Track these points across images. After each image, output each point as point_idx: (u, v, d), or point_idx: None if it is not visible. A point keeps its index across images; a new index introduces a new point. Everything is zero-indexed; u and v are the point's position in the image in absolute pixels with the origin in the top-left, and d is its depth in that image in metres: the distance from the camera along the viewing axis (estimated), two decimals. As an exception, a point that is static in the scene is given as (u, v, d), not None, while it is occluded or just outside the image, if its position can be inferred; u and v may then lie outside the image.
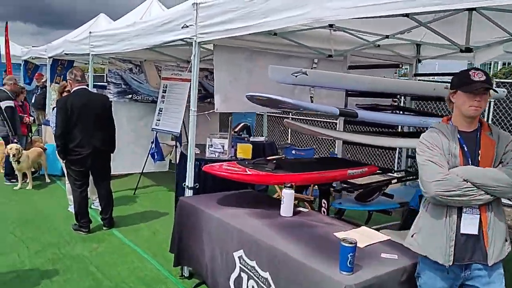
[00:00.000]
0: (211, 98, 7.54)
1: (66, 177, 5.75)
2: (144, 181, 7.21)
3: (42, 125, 8.38)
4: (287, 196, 3.31)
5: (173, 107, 6.58)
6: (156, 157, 6.76)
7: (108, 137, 5.02)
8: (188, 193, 3.93)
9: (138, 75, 6.80)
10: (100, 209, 5.24)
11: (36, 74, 11.18)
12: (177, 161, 4.98)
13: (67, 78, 4.95)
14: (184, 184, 4.00)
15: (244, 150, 4.32)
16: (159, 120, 6.74)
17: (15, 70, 14.61)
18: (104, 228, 5.09)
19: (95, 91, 6.39)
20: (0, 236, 4.86)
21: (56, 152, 4.82)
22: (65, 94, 5.58)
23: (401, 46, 5.29)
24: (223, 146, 4.28)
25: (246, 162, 3.79)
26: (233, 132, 8.55)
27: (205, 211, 3.49)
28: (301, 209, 3.53)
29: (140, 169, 6.99)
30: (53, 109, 5.64)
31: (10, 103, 7.06)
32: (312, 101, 4.74)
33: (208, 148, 4.29)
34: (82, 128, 4.75)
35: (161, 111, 6.74)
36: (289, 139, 10.80)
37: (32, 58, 10.29)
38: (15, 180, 7.28)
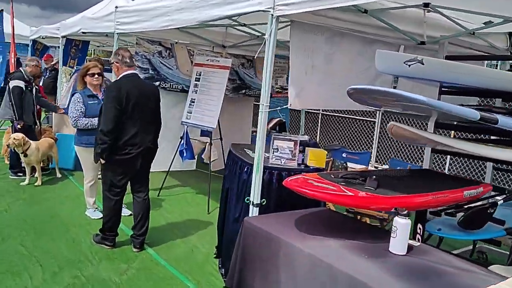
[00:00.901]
0: (246, 89, 6.66)
1: (85, 176, 4.90)
2: (169, 181, 6.34)
3: (53, 113, 7.49)
4: (402, 227, 2.44)
5: (207, 98, 5.70)
6: (185, 154, 5.88)
7: (157, 133, 4.17)
8: (253, 211, 3.05)
9: (168, 59, 5.89)
10: (128, 216, 4.37)
11: (45, 55, 10.23)
12: (225, 161, 4.09)
13: (112, 60, 4.05)
14: (247, 199, 3.13)
15: (318, 157, 3.44)
16: (190, 113, 5.86)
17: (20, 51, 13.69)
18: (134, 249, 4.16)
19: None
20: (8, 248, 4.00)
21: (97, 149, 3.87)
22: (88, 78, 4.70)
23: (494, 35, 4.38)
24: (291, 151, 3.40)
25: (332, 176, 2.92)
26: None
27: (285, 241, 2.61)
28: (411, 242, 2.66)
29: (165, 167, 6.10)
30: (71, 96, 4.75)
31: (20, 83, 6.15)
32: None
33: (273, 152, 3.41)
34: (136, 121, 3.88)
35: (193, 102, 5.85)
36: (320, 137, 9.91)
37: (42, 38, 9.36)
38: (21, 174, 6.41)
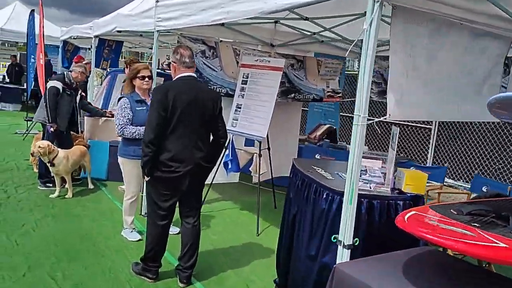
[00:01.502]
0: (295, 93, 5.97)
1: (126, 192, 4.34)
2: (211, 194, 5.71)
3: (85, 117, 6.99)
4: None
5: (257, 104, 5.04)
6: (230, 166, 5.23)
7: (216, 150, 3.55)
8: (344, 254, 2.35)
9: (212, 59, 5.26)
10: (176, 235, 3.73)
11: (76, 57, 9.80)
12: (291, 176, 3.41)
13: (171, 59, 3.43)
14: (334, 238, 2.43)
15: (416, 181, 2.71)
16: (236, 120, 5.22)
17: (50, 53, 13.43)
18: (180, 283, 3.50)
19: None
20: (35, 280, 3.42)
21: (141, 162, 3.28)
22: (138, 81, 4.11)
23: None
24: (384, 174, 2.69)
25: (454, 212, 2.20)
26: (311, 137, 7.01)
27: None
28: None
29: (207, 180, 5.46)
30: (118, 100, 4.18)
31: (57, 84, 5.67)
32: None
33: (360, 175, 2.71)
34: (184, 133, 3.25)
35: (239, 107, 5.21)
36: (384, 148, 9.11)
37: (73, 38, 8.94)
38: (51, 185, 5.90)
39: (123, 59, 9.19)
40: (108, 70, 7.36)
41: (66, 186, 5.75)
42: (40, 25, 8.64)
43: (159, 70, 7.28)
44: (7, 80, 14.11)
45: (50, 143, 5.37)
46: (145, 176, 3.35)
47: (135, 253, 4.00)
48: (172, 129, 3.22)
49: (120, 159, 4.19)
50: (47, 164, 5.45)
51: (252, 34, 5.54)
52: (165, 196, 3.36)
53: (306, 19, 4.36)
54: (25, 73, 15.56)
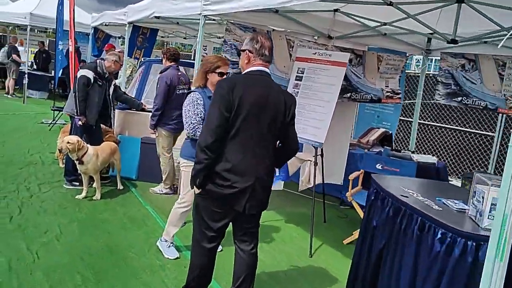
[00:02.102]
0: (352, 92, 5.27)
1: (180, 197, 3.78)
2: (252, 204, 5.07)
3: (116, 110, 6.46)
4: None
5: (314, 104, 4.38)
6: (278, 174, 4.59)
7: (280, 160, 2.93)
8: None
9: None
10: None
11: (107, 45, 9.29)
12: (369, 201, 2.74)
13: (246, 48, 2.74)
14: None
15: None
16: (288, 121, 4.53)
17: (80, 40, 13.02)
18: None
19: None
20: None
21: (193, 171, 2.66)
22: (215, 76, 3.47)
23: None
24: None
25: None
26: (362, 142, 6.28)
27: None
28: None
29: None
30: (187, 94, 3.56)
31: (88, 73, 5.11)
32: None
33: (472, 202, 2.02)
34: (247, 141, 2.61)
35: (292, 107, 4.52)
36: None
37: (105, 25, 8.41)
38: (77, 184, 5.38)
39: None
40: (142, 60, 6.76)
41: (94, 185, 5.22)
42: (70, 10, 8.13)
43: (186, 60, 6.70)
44: (35, 67, 13.80)
45: (79, 139, 4.83)
46: (194, 187, 2.75)
47: (173, 276, 3.41)
48: (234, 134, 2.59)
49: (183, 161, 3.57)
50: (75, 161, 4.91)
51: (308, 23, 4.86)
52: (216, 214, 2.73)
53: (390, 4, 3.64)
54: (53, 60, 15.36)
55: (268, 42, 2.75)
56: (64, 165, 6.07)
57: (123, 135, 6.17)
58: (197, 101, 3.40)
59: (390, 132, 6.05)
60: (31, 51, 14.11)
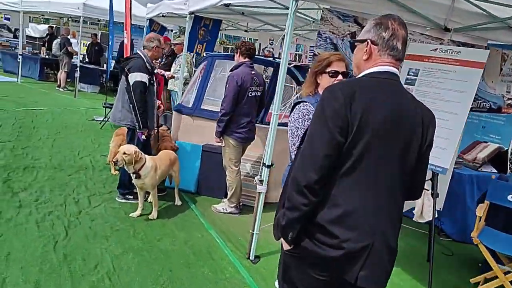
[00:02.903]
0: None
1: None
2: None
3: (173, 111, 5.71)
4: None
5: (437, 117, 3.32)
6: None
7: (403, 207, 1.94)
8: None
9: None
10: None
11: (162, 38, 8.61)
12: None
13: (368, 37, 1.78)
14: None
15: None
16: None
17: (133, 33, 12.49)
18: None
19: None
20: None
21: (282, 219, 1.77)
22: (325, 78, 2.60)
23: None
24: None
25: None
26: (467, 159, 5.19)
27: None
28: None
29: None
30: (294, 104, 2.69)
31: (143, 77, 4.33)
32: None
33: None
34: (369, 177, 1.70)
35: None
36: None
37: (162, 16, 7.69)
38: (131, 197, 4.66)
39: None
40: (204, 54, 5.94)
41: (149, 199, 4.49)
42: (126, 1, 7.50)
43: (260, 57, 5.79)
44: (86, 60, 13.48)
45: (137, 149, 4.08)
46: (283, 243, 1.87)
47: None
48: (348, 167, 1.69)
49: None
50: (131, 174, 4.18)
51: (421, 11, 3.84)
52: (314, 282, 1.82)
53: None
54: (105, 54, 15.04)
55: (402, 31, 1.79)
56: (116, 172, 5.42)
57: (181, 141, 5.40)
58: (308, 115, 2.51)
59: (505, 149, 4.90)
60: (83, 43, 13.80)
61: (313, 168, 1.67)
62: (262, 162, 3.56)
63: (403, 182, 1.80)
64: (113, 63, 9.95)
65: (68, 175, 5.25)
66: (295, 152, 2.49)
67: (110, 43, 9.24)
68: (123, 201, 4.65)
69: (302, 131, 2.48)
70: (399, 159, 1.75)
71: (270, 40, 7.02)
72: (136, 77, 4.32)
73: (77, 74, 11.18)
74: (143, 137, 4.44)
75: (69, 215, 4.13)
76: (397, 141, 1.74)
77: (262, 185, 3.51)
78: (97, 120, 8.60)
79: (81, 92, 11.85)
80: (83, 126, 8.08)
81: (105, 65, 13.15)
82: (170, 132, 5.75)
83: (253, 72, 4.41)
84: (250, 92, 4.35)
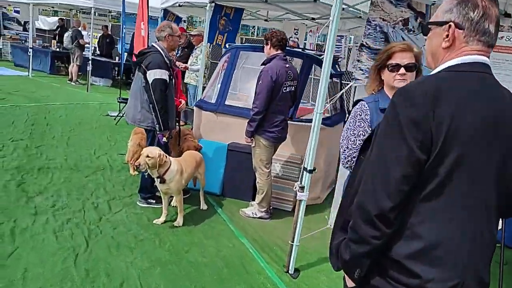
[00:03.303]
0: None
1: None
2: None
3: (194, 107, 5.35)
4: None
5: None
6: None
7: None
8: None
9: (416, 35, 3.23)
10: None
11: (175, 25, 8.21)
12: None
13: (450, 19, 1.41)
14: None
15: None
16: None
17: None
18: None
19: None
20: None
21: (345, 252, 1.42)
22: (387, 73, 2.23)
23: None
24: None
25: None
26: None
27: None
28: None
29: None
30: (354, 103, 2.32)
31: (163, 74, 3.96)
32: None
33: None
34: (457, 203, 1.31)
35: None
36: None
37: (179, 5, 7.28)
38: (154, 201, 4.33)
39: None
40: (226, 47, 5.54)
41: (173, 202, 4.17)
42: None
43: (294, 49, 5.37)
44: (98, 52, 13.15)
45: (161, 152, 3.73)
46: (346, 279, 1.52)
47: None
48: (433, 189, 1.32)
49: None
50: (155, 179, 3.84)
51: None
52: None
53: None
54: (117, 46, 14.70)
55: (494, 8, 1.38)
56: (135, 172, 5.09)
57: (204, 139, 5.05)
58: (360, 115, 2.14)
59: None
60: (94, 35, 13.46)
61: (387, 193, 1.31)
62: (302, 166, 3.19)
63: (498, 200, 1.43)
64: (125, 55, 9.63)
65: (85, 177, 4.94)
66: (346, 157, 2.14)
67: (122, 35, 8.88)
68: (145, 205, 4.32)
69: (351, 132, 2.13)
70: (497, 173, 1.37)
71: (294, 29, 6.60)
72: (155, 74, 3.94)
73: (89, 68, 10.87)
74: (164, 139, 4.09)
75: (89, 222, 3.81)
76: (495, 151, 1.36)
77: (303, 192, 3.14)
78: (111, 116, 8.28)
79: (93, 85, 11.54)
80: (97, 122, 7.77)
81: (117, 58, 12.86)
82: (192, 129, 5.40)
83: (287, 66, 4.03)
84: (285, 88, 3.97)
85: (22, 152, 5.51)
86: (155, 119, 4.00)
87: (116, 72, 13.06)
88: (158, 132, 4.05)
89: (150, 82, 3.95)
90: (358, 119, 2.16)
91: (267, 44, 4.04)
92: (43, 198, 4.20)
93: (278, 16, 7.64)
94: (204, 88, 6.06)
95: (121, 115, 7.91)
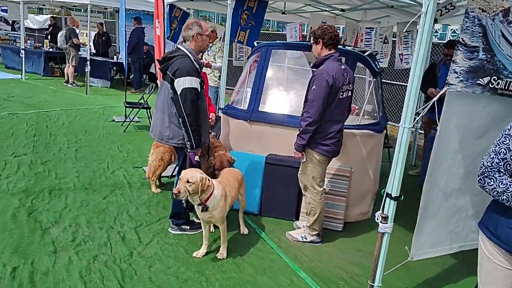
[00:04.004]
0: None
1: None
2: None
3: (222, 114, 4.75)
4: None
5: None
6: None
7: None
8: None
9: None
10: None
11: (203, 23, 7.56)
12: None
13: None
14: None
15: None
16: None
17: (146, 21, 11.46)
18: None
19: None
20: None
21: None
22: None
23: None
24: None
25: None
26: None
27: None
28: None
29: (454, 247, 3.06)
30: None
31: (194, 82, 3.35)
32: None
33: None
34: None
35: None
36: None
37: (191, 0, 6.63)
38: (188, 227, 3.77)
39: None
40: (255, 44, 4.90)
41: (211, 228, 3.59)
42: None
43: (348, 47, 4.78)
44: (93, 51, 12.43)
45: (203, 175, 3.13)
46: None
47: None
48: None
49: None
50: (195, 206, 3.25)
51: None
52: None
53: None
54: (114, 44, 13.97)
55: None
56: (157, 190, 4.54)
57: (235, 151, 4.47)
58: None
59: None
60: (86, 33, 12.71)
61: None
62: (385, 192, 2.63)
63: None
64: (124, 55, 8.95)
65: (104, 198, 4.35)
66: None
67: (124, 32, 8.20)
68: (179, 232, 3.75)
69: (498, 146, 1.70)
70: None
71: (322, 22, 6.01)
72: (185, 82, 3.32)
73: (87, 69, 10.19)
74: (197, 157, 3.51)
75: (120, 260, 3.23)
76: None
77: (387, 223, 2.60)
78: (117, 121, 7.66)
79: (91, 87, 10.86)
80: (104, 129, 7.14)
81: (115, 57, 12.17)
82: (218, 138, 4.82)
83: (343, 67, 3.46)
84: (341, 93, 3.41)
85: (27, 170, 4.89)
86: (185, 135, 3.41)
87: (115, 72, 12.38)
88: (189, 151, 3.46)
89: (179, 92, 3.34)
90: (505, 135, 1.74)
91: (317, 42, 3.46)
92: (61, 230, 3.61)
93: (298, 9, 7.04)
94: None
95: (131, 120, 7.30)
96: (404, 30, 6.22)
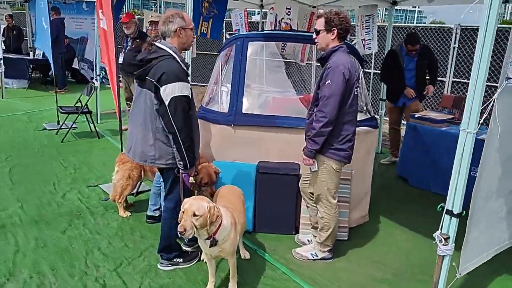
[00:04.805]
0: None
1: None
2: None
3: (198, 120, 4.08)
4: None
5: None
6: None
7: None
8: None
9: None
10: None
11: (124, 16, 6.65)
12: None
13: None
14: None
15: None
16: None
17: (65, 11, 10.10)
18: None
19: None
20: None
21: None
22: None
23: None
24: None
25: None
26: None
27: None
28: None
29: (491, 252, 2.84)
30: None
31: (184, 88, 2.71)
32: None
33: None
34: None
35: None
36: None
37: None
38: (181, 260, 3.14)
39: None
40: (227, 37, 4.23)
41: (203, 256, 3.02)
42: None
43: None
44: (3, 47, 10.78)
45: (211, 203, 2.52)
46: None
47: None
48: None
49: None
50: (203, 242, 2.64)
51: None
52: None
53: None
54: (26, 38, 12.32)
55: None
56: (127, 214, 3.84)
57: (219, 161, 3.88)
58: None
59: None
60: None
61: None
62: (444, 208, 2.26)
63: None
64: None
65: (62, 233, 3.54)
66: None
67: (38, 25, 7.03)
68: (171, 268, 3.12)
69: None
70: None
71: (287, 9, 5.48)
72: (174, 90, 2.68)
73: (1, 69, 8.76)
74: (191, 179, 2.91)
75: (110, 319, 2.54)
76: None
77: (448, 244, 2.23)
78: (49, 129, 6.60)
79: (7, 89, 9.40)
80: (36, 141, 6.08)
81: (31, 54, 10.68)
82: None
83: (353, 60, 3.02)
84: (356, 89, 2.97)
85: (-48, 205, 3.88)
86: (177, 153, 2.77)
87: (31, 70, 10.88)
88: (182, 172, 2.83)
89: (167, 103, 2.69)
90: None
91: (331, 31, 2.96)
92: (20, 285, 2.80)
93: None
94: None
95: (70, 128, 6.29)
96: (365, 14, 5.97)
